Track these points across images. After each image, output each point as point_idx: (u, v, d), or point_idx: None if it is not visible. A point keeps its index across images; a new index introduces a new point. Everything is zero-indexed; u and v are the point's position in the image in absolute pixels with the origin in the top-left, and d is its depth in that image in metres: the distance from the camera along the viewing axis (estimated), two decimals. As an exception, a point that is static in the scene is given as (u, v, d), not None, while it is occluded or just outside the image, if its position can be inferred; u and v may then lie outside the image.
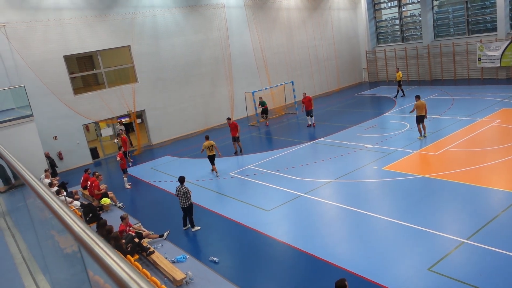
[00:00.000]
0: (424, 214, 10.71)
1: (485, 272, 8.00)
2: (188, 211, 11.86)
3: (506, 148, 14.42)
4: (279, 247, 10.42)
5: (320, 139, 19.21)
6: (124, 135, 20.17)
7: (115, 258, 1.50)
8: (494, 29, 26.32)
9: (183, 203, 11.71)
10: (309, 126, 21.93)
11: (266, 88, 26.09)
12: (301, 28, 29.85)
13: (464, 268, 8.28)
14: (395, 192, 12.52)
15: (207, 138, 16.54)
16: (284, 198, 13.18)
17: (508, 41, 25.16)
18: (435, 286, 7.87)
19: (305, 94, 22.43)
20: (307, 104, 21.61)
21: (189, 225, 12.00)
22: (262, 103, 24.12)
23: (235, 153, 19.04)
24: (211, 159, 16.43)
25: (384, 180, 13.39)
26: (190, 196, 11.77)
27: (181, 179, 11.92)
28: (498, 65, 25.93)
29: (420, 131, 16.91)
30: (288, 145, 19.19)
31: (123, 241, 10.21)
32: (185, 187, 11.69)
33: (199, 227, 11.98)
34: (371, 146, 17.09)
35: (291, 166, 16.15)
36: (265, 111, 24.11)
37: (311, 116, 21.87)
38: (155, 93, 23.28)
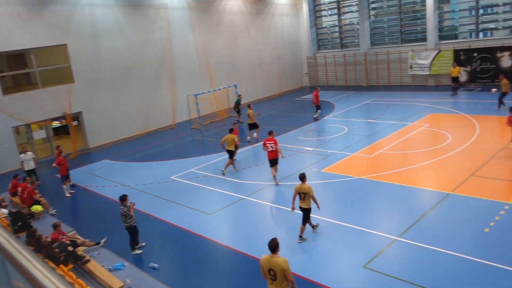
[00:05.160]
0: (360, 214, 11.19)
1: (416, 267, 8.51)
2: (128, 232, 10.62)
3: (434, 151, 15.45)
4: (221, 250, 10.42)
5: (261, 142, 19.40)
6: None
7: (42, 269, 1.45)
8: (424, 39, 28.15)
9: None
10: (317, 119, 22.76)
11: (209, 91, 25.96)
12: (244, 32, 30.08)
13: (397, 264, 8.75)
14: (334, 193, 12.98)
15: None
16: (226, 201, 13.20)
17: (437, 51, 27.00)
18: (371, 282, 8.26)
19: (318, 88, 24.27)
20: (316, 99, 22.78)
21: (137, 248, 10.70)
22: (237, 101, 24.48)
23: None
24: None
25: (323, 182, 13.82)
26: (126, 217, 10.33)
27: (120, 199, 10.48)
28: (428, 73, 27.75)
29: None
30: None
31: (56, 250, 9.71)
32: (122, 208, 10.34)
33: (140, 251, 10.66)
34: (311, 149, 17.59)
35: (233, 169, 16.20)
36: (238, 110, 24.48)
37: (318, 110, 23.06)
38: (93, 94, 22.34)
